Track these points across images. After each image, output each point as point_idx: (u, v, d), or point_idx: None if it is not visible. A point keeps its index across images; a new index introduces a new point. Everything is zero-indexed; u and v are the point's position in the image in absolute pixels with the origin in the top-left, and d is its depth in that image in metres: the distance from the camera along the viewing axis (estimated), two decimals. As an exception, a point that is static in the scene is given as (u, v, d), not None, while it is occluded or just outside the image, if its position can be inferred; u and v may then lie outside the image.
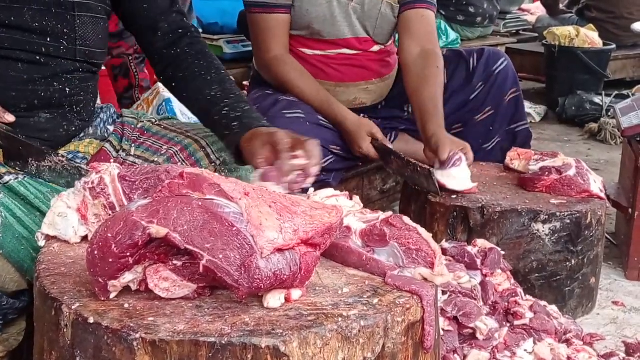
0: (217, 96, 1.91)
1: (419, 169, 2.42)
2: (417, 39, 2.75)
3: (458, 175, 2.37)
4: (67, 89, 1.86)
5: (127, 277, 1.22)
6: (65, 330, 1.21)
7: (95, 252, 1.20)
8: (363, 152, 2.64)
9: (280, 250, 1.19)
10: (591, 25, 5.74)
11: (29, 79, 1.79)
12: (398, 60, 2.88)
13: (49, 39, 1.80)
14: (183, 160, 1.90)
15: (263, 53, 2.73)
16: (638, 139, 2.74)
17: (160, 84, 3.17)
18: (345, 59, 2.78)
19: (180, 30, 2.02)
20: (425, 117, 2.58)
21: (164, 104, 3.12)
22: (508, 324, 1.95)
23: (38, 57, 1.79)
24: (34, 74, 1.80)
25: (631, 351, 2.14)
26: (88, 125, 1.96)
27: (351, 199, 1.55)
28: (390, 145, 2.66)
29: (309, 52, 2.76)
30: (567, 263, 2.32)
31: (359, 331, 1.19)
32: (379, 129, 2.67)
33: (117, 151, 1.95)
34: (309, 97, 2.68)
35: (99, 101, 2.85)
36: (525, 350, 1.87)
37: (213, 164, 1.90)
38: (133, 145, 1.96)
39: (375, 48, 2.83)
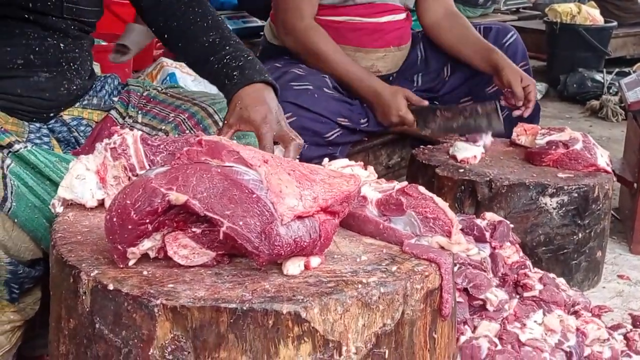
0: (216, 43, 1.86)
1: (479, 108, 2.50)
2: (440, 1, 2.92)
3: (473, 149, 2.42)
4: (62, 45, 1.83)
5: (146, 245, 1.22)
6: (84, 297, 1.21)
7: (114, 219, 1.20)
8: (402, 116, 2.66)
9: (300, 217, 1.19)
10: (592, 2, 5.73)
11: (21, 34, 1.77)
12: (424, 22, 2.95)
13: None
14: (191, 128, 1.89)
15: (296, 20, 2.69)
16: (644, 114, 2.75)
17: (164, 58, 3.16)
18: (367, 25, 2.78)
19: None
20: (485, 52, 2.78)
21: (167, 78, 3.10)
22: (517, 296, 1.96)
23: (27, 15, 1.76)
24: (26, 29, 1.77)
25: (638, 323, 2.15)
26: (89, 86, 1.95)
27: (365, 169, 1.55)
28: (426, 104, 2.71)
29: (333, 19, 2.75)
30: (574, 236, 2.32)
31: (379, 298, 1.19)
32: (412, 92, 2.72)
33: (123, 118, 1.94)
34: (340, 69, 2.69)
35: (99, 71, 2.85)
36: (535, 321, 1.87)
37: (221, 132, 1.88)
38: (140, 112, 1.95)
39: (401, 16, 2.84)
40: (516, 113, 2.70)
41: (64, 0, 1.81)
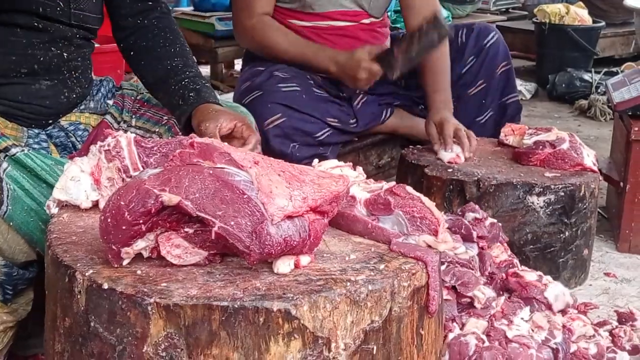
0: (178, 67, 1.95)
1: (423, 26, 2.53)
2: (419, 13, 2.84)
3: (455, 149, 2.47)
4: (65, 54, 1.88)
5: (140, 244, 1.25)
6: (79, 296, 1.24)
7: (109, 220, 1.23)
8: (367, 67, 2.59)
9: (289, 217, 1.22)
10: (580, 3, 5.77)
11: (28, 44, 1.81)
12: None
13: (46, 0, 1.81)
14: None
15: (245, 18, 2.70)
16: (630, 114, 2.78)
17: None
18: (336, 29, 2.79)
19: (150, 2, 2.04)
20: (427, 90, 2.75)
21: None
22: (506, 294, 1.99)
23: (36, 23, 1.80)
24: (32, 39, 1.81)
25: (623, 320, 2.18)
26: (87, 93, 1.98)
27: (354, 169, 1.59)
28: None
29: (299, 23, 2.76)
30: (561, 235, 2.36)
31: (367, 295, 1.22)
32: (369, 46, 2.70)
33: (118, 122, 1.98)
34: (295, 52, 2.68)
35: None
36: (522, 318, 1.91)
37: None
38: (133, 116, 1.99)
39: (368, 20, 2.85)
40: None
41: (72, 6, 1.86)
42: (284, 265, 1.25)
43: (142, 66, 2.02)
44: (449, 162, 2.45)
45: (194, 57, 2.05)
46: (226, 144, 1.33)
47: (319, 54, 2.68)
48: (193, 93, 1.88)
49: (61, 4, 1.83)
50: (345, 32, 2.82)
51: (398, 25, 3.76)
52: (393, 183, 1.48)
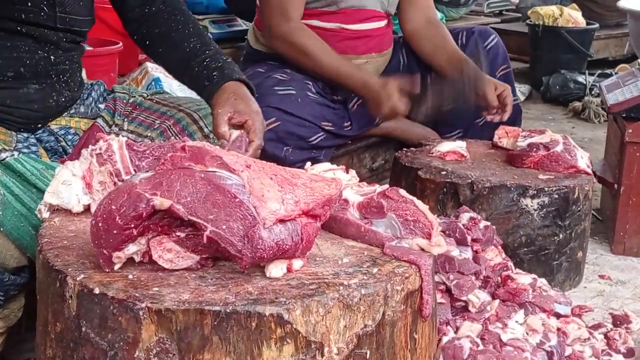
0: (197, 48, 1.94)
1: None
2: (422, 11, 2.93)
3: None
4: (52, 57, 1.86)
5: (131, 249, 1.24)
6: (70, 301, 1.23)
7: (100, 224, 1.22)
8: (394, 104, 2.65)
9: (282, 221, 1.21)
10: (574, 5, 5.77)
11: (13, 47, 1.80)
12: (404, 31, 2.98)
13: (29, 4, 1.79)
14: (176, 134, 1.92)
15: (282, 22, 2.68)
16: (624, 115, 2.77)
17: (148, 63, 3.17)
18: (350, 33, 2.80)
19: None
20: (458, 62, 2.76)
21: (153, 83, 3.11)
22: (500, 298, 1.99)
23: (19, 27, 1.79)
24: (17, 42, 1.80)
25: (618, 322, 2.18)
26: (77, 97, 1.97)
27: (347, 172, 1.58)
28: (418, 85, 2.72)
29: (317, 24, 2.76)
30: (555, 237, 2.35)
31: (360, 299, 1.22)
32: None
33: (110, 126, 1.97)
34: (330, 66, 2.69)
35: (85, 76, 2.88)
36: (517, 321, 1.90)
37: (206, 138, 1.91)
38: (126, 120, 1.98)
39: (383, 23, 2.87)
40: (496, 119, 2.74)
41: (58, 10, 1.84)
42: (276, 270, 1.24)
43: (161, 54, 2.02)
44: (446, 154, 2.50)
45: (208, 34, 2.03)
46: (218, 147, 1.32)
47: (355, 74, 2.70)
48: (216, 72, 1.87)
49: (45, 8, 1.81)
50: (359, 34, 2.82)
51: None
52: (386, 186, 1.47)
